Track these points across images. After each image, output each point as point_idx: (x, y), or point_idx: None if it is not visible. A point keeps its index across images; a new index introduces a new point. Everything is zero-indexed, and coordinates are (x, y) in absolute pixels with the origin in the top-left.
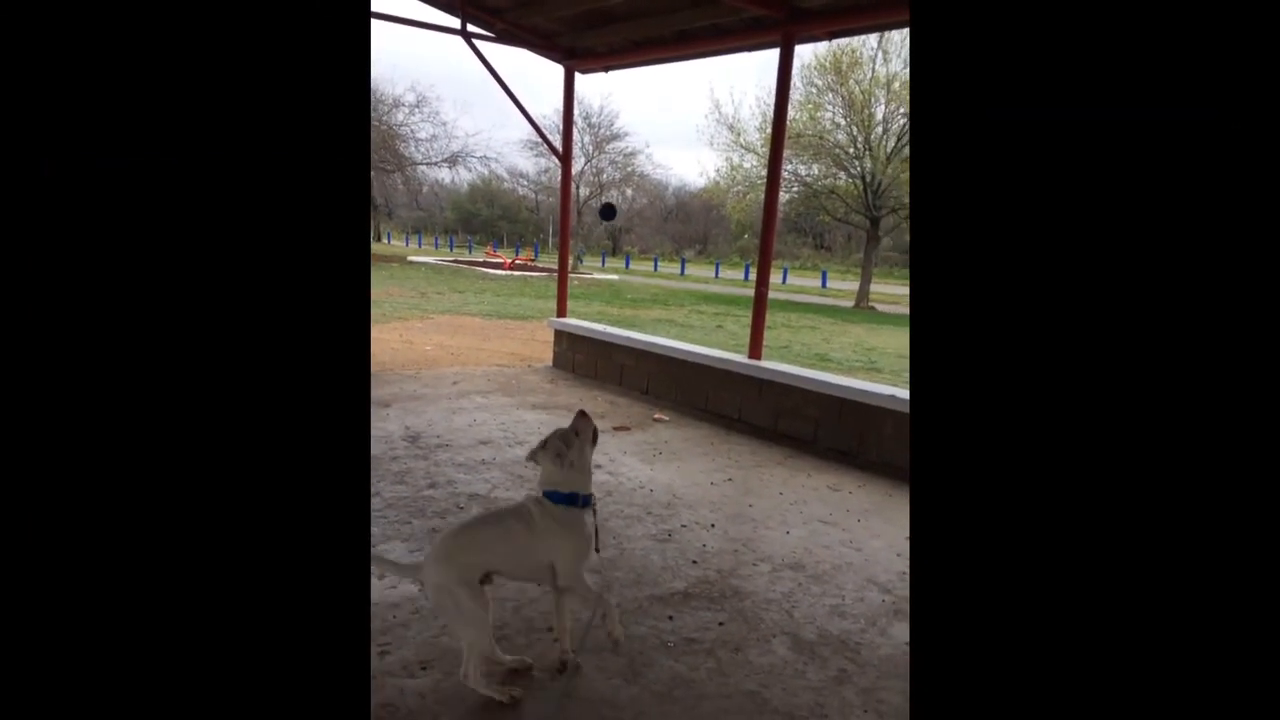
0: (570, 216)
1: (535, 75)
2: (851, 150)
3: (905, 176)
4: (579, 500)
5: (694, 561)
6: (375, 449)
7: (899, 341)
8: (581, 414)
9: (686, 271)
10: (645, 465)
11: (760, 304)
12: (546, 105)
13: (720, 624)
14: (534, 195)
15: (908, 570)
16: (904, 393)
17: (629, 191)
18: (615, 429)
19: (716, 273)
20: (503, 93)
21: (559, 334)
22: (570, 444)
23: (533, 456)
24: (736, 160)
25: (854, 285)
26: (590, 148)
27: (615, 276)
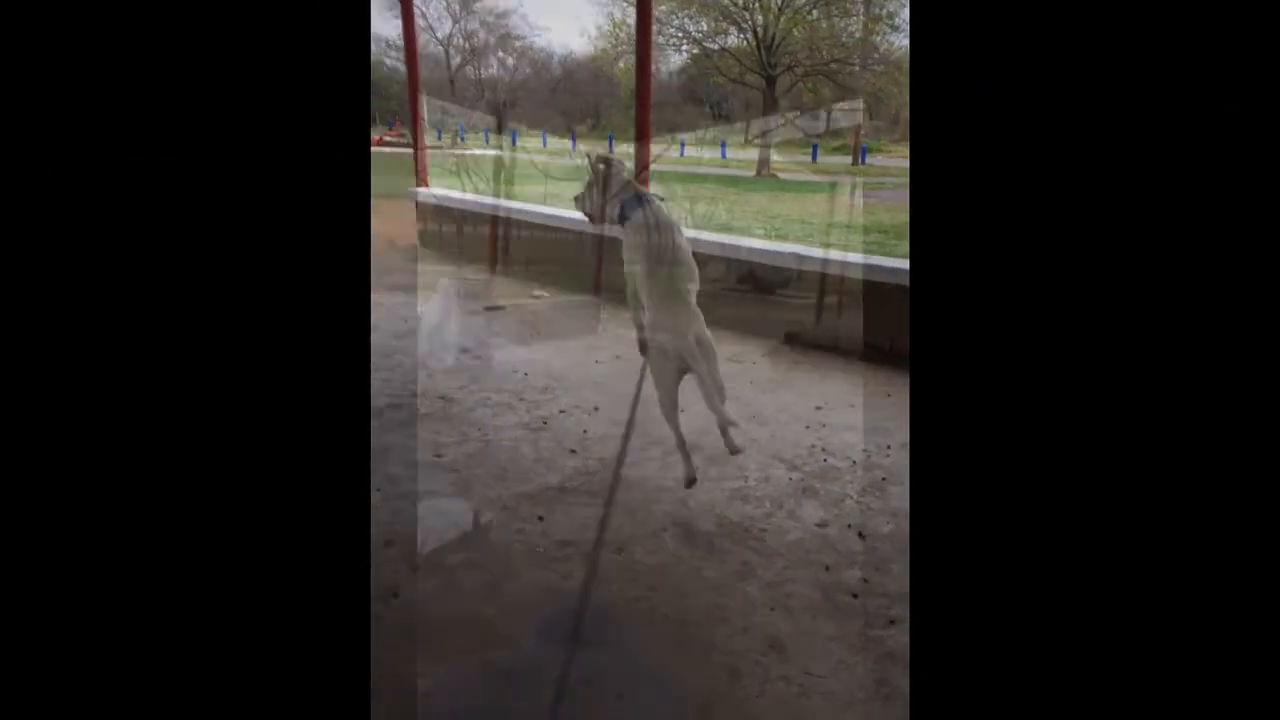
0: (419, 66)
1: None
2: (740, 2)
3: (798, 33)
4: (637, 202)
5: (572, 451)
6: None
7: (803, 207)
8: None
9: (578, 147)
10: (520, 346)
11: (643, 156)
12: None
13: (601, 521)
14: (404, 68)
15: (817, 443)
16: (810, 250)
17: (510, 61)
18: (487, 309)
19: (610, 147)
20: None
21: (422, 207)
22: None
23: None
24: (619, 16)
25: (755, 156)
26: (456, 7)
27: (499, 152)
